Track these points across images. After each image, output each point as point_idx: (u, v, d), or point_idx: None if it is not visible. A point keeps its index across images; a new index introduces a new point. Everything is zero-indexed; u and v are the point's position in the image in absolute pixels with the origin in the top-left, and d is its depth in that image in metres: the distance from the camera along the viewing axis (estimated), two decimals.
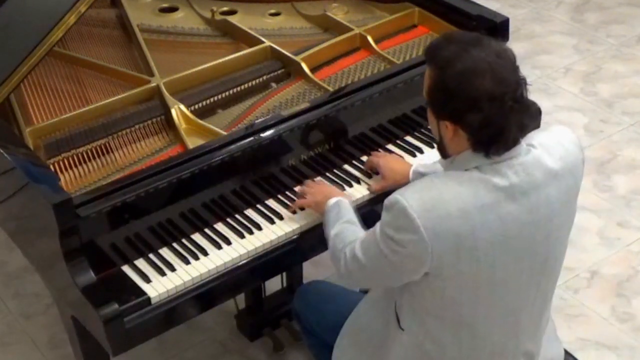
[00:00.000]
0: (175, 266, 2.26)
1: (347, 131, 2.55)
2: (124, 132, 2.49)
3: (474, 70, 1.82)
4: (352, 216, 2.22)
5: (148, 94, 2.59)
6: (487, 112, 1.82)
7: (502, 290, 1.95)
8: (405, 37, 2.89)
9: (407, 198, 1.86)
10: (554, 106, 4.19)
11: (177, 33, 2.92)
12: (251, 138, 2.37)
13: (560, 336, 2.28)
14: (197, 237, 2.34)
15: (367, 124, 2.59)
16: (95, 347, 2.28)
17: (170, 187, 2.27)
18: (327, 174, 2.53)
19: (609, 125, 4.10)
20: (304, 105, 2.48)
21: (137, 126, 2.51)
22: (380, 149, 2.61)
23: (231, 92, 2.65)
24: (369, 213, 2.42)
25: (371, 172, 2.52)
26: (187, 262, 2.27)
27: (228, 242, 2.33)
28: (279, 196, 2.44)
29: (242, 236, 2.34)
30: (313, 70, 2.70)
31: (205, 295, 2.26)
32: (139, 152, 2.45)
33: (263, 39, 2.78)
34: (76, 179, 2.36)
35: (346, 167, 2.56)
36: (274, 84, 2.69)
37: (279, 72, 2.72)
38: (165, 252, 2.31)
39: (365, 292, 2.36)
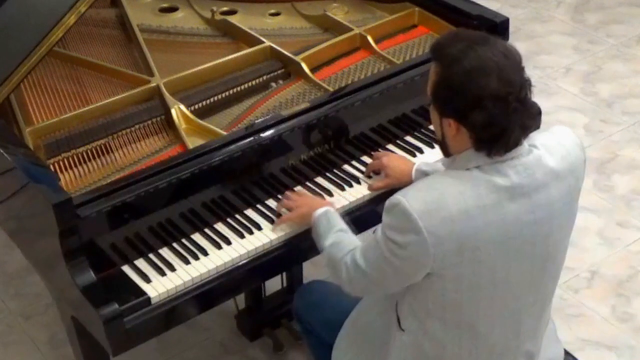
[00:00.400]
0: (175, 266, 2.26)
1: (347, 131, 2.55)
2: (124, 132, 2.49)
3: (481, 68, 1.81)
4: (343, 225, 2.21)
5: (148, 94, 2.59)
6: (491, 111, 1.82)
7: (503, 291, 1.95)
8: (405, 37, 2.89)
9: (408, 199, 1.86)
10: (554, 106, 4.19)
11: (177, 33, 2.92)
12: (251, 138, 2.37)
13: (560, 336, 2.28)
14: (197, 237, 2.34)
15: (367, 124, 2.59)
16: (95, 347, 2.28)
17: (170, 187, 2.26)
18: (327, 174, 2.53)
19: (609, 125, 4.10)
20: (304, 105, 2.48)
21: (137, 126, 2.51)
22: (380, 149, 2.61)
23: (231, 92, 2.65)
24: (369, 213, 2.42)
25: (372, 174, 2.52)
26: (187, 262, 2.27)
27: (228, 242, 2.32)
28: (279, 196, 2.44)
29: (242, 236, 2.34)
30: (313, 70, 2.70)
31: (205, 295, 2.25)
32: (139, 152, 2.44)
33: (263, 39, 2.78)
34: (76, 179, 2.36)
35: (346, 167, 2.56)
36: (273, 84, 2.68)
37: (279, 72, 2.72)
38: (165, 252, 2.30)
39: None
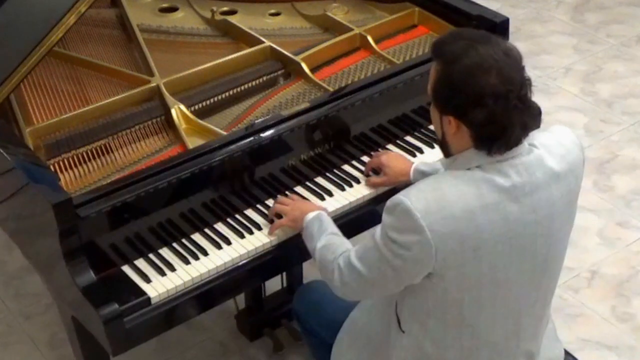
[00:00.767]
0: (175, 266, 2.26)
1: (347, 131, 2.55)
2: (124, 132, 2.49)
3: (481, 66, 1.82)
4: (335, 228, 2.21)
5: (148, 94, 2.59)
6: (492, 108, 1.82)
7: (503, 291, 1.95)
8: (405, 37, 2.89)
9: (410, 199, 1.86)
10: (554, 106, 4.19)
11: (177, 33, 2.92)
12: (251, 138, 2.37)
13: (560, 336, 2.28)
14: (197, 237, 2.34)
15: (367, 124, 2.59)
16: (95, 347, 2.28)
17: (170, 187, 2.26)
18: (327, 174, 2.53)
19: (609, 125, 4.10)
20: (304, 105, 2.48)
21: (137, 126, 2.51)
22: (380, 149, 2.61)
23: (231, 92, 2.65)
24: (369, 213, 2.42)
25: (371, 173, 2.52)
26: (187, 262, 2.27)
27: (228, 242, 2.33)
28: (279, 196, 2.44)
29: (242, 236, 2.34)
30: (313, 70, 2.70)
31: (205, 295, 2.25)
32: (139, 152, 2.45)
33: (263, 39, 2.78)
34: (76, 179, 2.36)
35: (346, 167, 2.56)
36: (274, 84, 2.68)
37: (279, 72, 2.72)
38: (165, 252, 2.31)
39: None
